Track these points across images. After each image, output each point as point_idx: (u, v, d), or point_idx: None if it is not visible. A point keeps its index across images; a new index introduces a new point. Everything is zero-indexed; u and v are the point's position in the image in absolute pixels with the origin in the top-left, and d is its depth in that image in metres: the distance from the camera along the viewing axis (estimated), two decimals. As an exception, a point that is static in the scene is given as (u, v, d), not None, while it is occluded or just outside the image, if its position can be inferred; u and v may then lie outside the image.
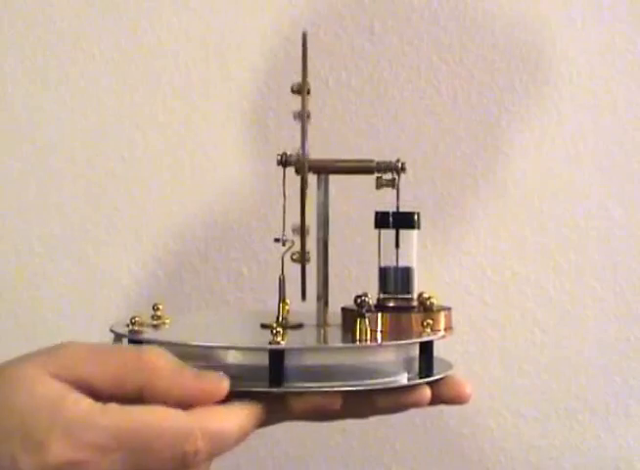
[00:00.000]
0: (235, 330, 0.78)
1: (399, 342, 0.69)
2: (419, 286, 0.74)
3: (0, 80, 1.17)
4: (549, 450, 1.22)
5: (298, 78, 1.20)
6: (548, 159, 1.21)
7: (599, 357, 1.21)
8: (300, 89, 0.73)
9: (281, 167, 0.73)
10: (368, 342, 0.68)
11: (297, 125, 1.18)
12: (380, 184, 0.73)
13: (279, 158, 0.73)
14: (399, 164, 0.73)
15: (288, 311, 0.74)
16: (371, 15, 1.19)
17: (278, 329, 0.65)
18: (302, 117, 0.70)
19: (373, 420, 1.17)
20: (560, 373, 1.21)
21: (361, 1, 1.19)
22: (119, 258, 1.18)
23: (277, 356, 0.64)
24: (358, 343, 0.68)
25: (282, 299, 0.74)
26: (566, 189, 1.21)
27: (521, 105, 1.20)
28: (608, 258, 1.21)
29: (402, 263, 0.74)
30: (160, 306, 0.73)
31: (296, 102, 1.20)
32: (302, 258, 0.70)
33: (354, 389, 0.65)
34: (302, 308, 0.74)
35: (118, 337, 0.72)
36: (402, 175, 0.74)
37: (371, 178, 0.74)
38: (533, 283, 1.21)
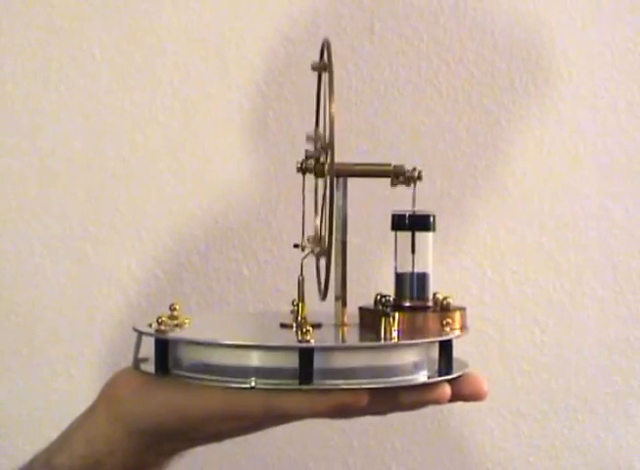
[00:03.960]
0: (257, 329, 0.80)
1: (426, 340, 0.71)
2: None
3: (0, 80, 1.17)
4: (549, 450, 1.22)
5: (298, 78, 1.20)
6: (548, 159, 1.21)
7: (599, 357, 1.21)
8: (318, 69, 0.75)
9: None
10: (395, 340, 0.70)
11: (297, 126, 1.18)
12: (395, 182, 0.76)
13: (299, 165, 0.75)
14: (416, 173, 0.75)
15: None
16: (371, 15, 1.19)
17: (308, 327, 0.67)
18: (331, 127, 0.71)
19: (373, 420, 1.17)
20: (560, 373, 1.21)
21: (361, 1, 1.19)
22: (119, 258, 1.18)
23: (307, 355, 0.66)
24: (383, 342, 0.70)
25: (301, 299, 0.75)
26: (566, 189, 1.21)
27: (521, 105, 1.20)
28: (608, 258, 1.21)
29: (418, 268, 0.75)
30: (177, 307, 0.74)
31: (297, 102, 1.20)
32: (328, 260, 0.72)
33: (381, 386, 0.67)
34: (315, 309, 0.75)
35: (141, 336, 0.73)
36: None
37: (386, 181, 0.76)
38: (533, 283, 1.21)
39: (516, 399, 1.21)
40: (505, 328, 1.21)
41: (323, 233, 0.74)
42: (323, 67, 0.75)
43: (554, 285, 1.21)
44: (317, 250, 0.75)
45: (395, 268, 0.76)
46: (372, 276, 1.15)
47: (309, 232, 0.77)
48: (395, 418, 1.19)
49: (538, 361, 1.21)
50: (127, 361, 0.76)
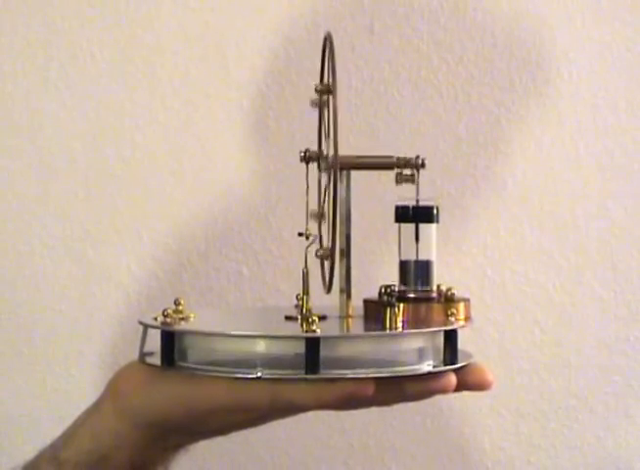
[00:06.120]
0: (263, 322, 0.80)
1: (431, 329, 0.71)
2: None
3: (0, 80, 1.17)
4: (549, 450, 1.22)
5: (298, 78, 1.20)
6: (548, 159, 1.21)
7: (599, 357, 1.21)
8: (321, 88, 0.75)
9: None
10: (400, 330, 0.70)
11: (298, 126, 1.18)
12: (400, 179, 0.76)
13: (302, 154, 0.75)
14: (419, 161, 0.76)
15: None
16: (371, 15, 1.19)
17: (313, 318, 0.67)
18: (334, 115, 0.71)
19: (373, 420, 1.17)
20: (559, 373, 1.21)
21: (361, 1, 1.19)
22: (119, 258, 1.18)
23: (314, 344, 0.66)
24: (389, 331, 0.70)
25: (306, 291, 0.75)
26: (566, 189, 1.21)
27: (521, 105, 1.20)
28: (608, 258, 1.21)
29: (422, 257, 0.75)
30: (182, 301, 0.74)
31: (297, 102, 1.20)
32: (332, 252, 0.72)
33: (387, 375, 0.67)
34: (319, 304, 0.75)
35: (147, 329, 0.73)
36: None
37: (390, 174, 0.76)
38: (533, 283, 1.21)
39: (516, 398, 1.21)
40: (505, 328, 1.21)
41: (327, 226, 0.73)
42: (326, 89, 0.75)
43: (554, 285, 1.21)
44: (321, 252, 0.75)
45: (399, 257, 0.76)
46: (375, 270, 1.15)
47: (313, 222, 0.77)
48: (395, 418, 1.20)
49: (538, 361, 1.21)
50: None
